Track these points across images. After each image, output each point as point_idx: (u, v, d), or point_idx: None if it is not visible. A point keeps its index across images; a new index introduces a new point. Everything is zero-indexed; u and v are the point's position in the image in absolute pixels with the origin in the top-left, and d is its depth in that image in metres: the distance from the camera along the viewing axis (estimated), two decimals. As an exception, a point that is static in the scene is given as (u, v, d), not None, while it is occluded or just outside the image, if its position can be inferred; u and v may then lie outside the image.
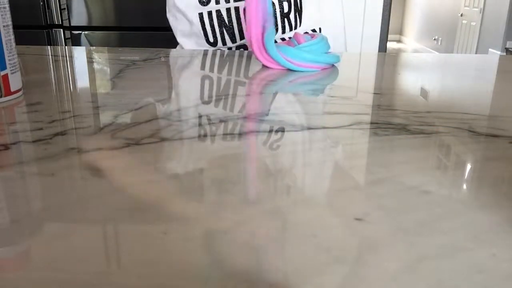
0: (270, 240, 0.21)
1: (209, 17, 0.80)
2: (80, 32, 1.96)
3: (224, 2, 0.79)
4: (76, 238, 0.21)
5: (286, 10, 0.80)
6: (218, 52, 0.77)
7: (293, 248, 0.21)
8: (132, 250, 0.21)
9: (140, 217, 0.23)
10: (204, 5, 0.80)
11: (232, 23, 0.80)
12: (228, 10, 0.79)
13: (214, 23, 0.81)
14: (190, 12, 0.81)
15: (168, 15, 0.87)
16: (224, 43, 0.83)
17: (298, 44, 0.63)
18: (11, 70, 0.44)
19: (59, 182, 0.27)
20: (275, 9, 0.79)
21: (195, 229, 0.22)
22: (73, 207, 0.24)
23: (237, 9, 0.79)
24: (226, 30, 0.81)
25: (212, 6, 0.80)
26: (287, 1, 0.80)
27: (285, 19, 0.81)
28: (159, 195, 0.26)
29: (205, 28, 0.81)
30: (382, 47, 2.09)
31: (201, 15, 0.81)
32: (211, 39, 0.82)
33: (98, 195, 0.26)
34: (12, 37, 0.44)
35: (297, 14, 0.82)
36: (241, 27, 0.80)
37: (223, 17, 0.80)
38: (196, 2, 0.80)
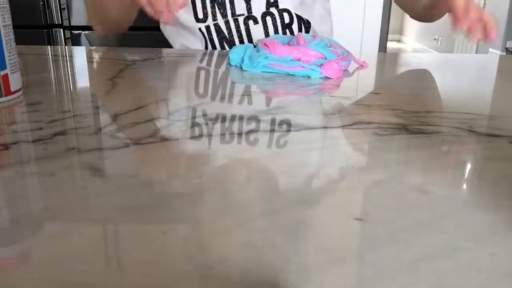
0: (270, 240, 0.21)
1: (207, 31, 0.79)
2: (80, 32, 1.96)
3: (221, 17, 0.78)
4: (76, 238, 0.21)
5: (287, 21, 0.79)
6: (218, 52, 0.77)
7: (293, 248, 0.21)
8: (132, 250, 0.21)
9: (140, 217, 0.23)
10: (201, 22, 0.79)
11: (232, 34, 0.79)
12: (226, 22, 0.78)
13: (213, 37, 0.80)
14: (187, 33, 0.81)
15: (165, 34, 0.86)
16: None
17: (298, 44, 0.63)
18: (11, 70, 0.44)
19: (59, 182, 0.27)
20: (275, 18, 0.79)
21: (195, 229, 0.22)
22: (73, 207, 0.24)
23: (235, 20, 0.78)
24: (226, 42, 0.80)
25: (210, 22, 0.79)
26: (287, 12, 0.79)
27: (287, 30, 0.80)
28: (159, 195, 0.26)
29: (206, 41, 0.81)
30: (382, 47, 2.09)
31: (200, 30, 0.80)
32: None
33: (98, 195, 0.26)
34: (12, 37, 0.44)
35: (302, 24, 0.80)
36: (242, 38, 0.79)
37: (222, 30, 0.79)
38: (192, 20, 0.79)
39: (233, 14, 0.78)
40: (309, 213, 0.24)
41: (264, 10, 0.78)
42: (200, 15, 0.79)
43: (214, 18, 0.79)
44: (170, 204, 0.25)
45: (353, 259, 0.20)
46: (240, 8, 0.78)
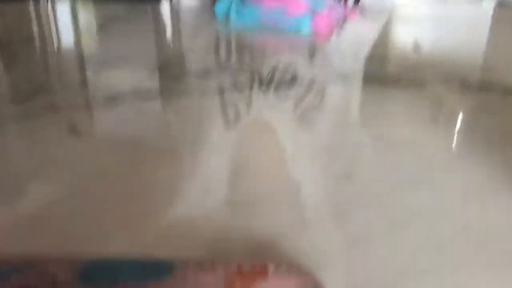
0: (260, 198, 0.21)
1: None
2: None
3: None
4: (55, 199, 0.21)
5: None
6: (207, 7, 0.74)
7: (281, 205, 0.21)
8: (113, 207, 0.20)
9: (120, 175, 0.23)
10: None
11: None
12: None
13: None
14: None
15: None
16: None
17: None
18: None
19: (39, 141, 0.27)
20: None
21: (175, 191, 0.22)
22: (52, 166, 0.24)
23: None
24: None
25: None
26: None
27: None
28: (141, 153, 0.25)
29: None
30: None
31: None
32: None
33: (76, 154, 0.25)
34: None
35: None
36: None
37: None
38: None
39: None
40: (297, 170, 0.24)
41: None
42: None
43: None
44: (150, 161, 0.24)
45: (341, 216, 0.20)
46: None
